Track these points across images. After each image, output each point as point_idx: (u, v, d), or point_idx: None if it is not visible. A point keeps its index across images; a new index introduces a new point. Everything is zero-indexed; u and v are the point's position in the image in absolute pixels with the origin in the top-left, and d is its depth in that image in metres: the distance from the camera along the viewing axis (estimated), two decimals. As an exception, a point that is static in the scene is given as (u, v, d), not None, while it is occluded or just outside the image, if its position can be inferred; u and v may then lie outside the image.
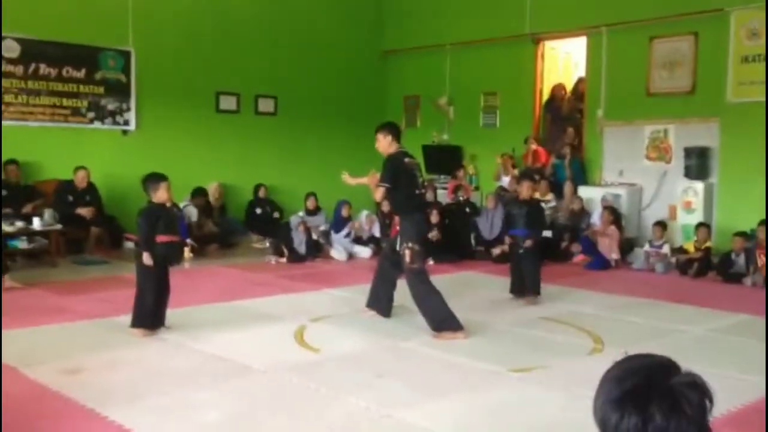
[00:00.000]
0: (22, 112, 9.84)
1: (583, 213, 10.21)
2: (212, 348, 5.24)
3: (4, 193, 9.07)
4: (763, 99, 9.03)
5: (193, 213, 10.16)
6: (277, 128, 12.27)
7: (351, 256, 9.96)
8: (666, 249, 9.31)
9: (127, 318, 5.76)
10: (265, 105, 12.22)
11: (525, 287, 7.14)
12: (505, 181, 11.16)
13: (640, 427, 1.29)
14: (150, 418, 3.89)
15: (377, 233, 10.15)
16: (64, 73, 10.14)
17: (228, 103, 11.81)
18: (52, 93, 10.07)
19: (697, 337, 5.95)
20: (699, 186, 9.69)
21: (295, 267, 9.14)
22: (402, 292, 6.14)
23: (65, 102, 10.19)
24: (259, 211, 11.48)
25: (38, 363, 4.79)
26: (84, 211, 9.53)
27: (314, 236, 9.86)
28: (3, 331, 5.40)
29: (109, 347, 5.22)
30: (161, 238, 5.54)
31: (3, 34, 9.52)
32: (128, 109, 10.73)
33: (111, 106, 10.58)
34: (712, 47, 9.65)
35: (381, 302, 6.28)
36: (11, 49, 9.71)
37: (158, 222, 5.55)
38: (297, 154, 12.41)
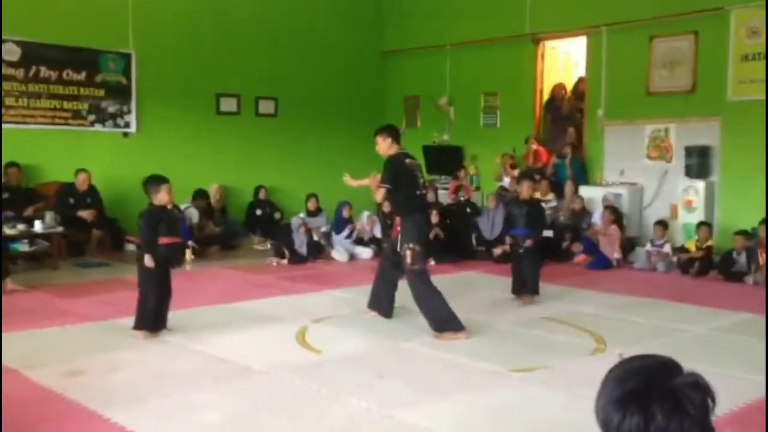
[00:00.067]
0: (23, 115, 9.84)
1: (584, 212, 10.21)
2: (214, 349, 5.24)
3: (5, 196, 9.07)
4: (764, 97, 9.02)
5: (194, 215, 10.17)
6: (277, 130, 12.27)
7: (352, 257, 9.96)
8: (667, 248, 9.31)
9: (128, 320, 5.76)
10: (266, 107, 12.23)
11: (524, 286, 7.14)
12: (506, 181, 11.16)
13: (642, 427, 1.29)
14: (152, 420, 3.89)
15: (378, 234, 10.15)
16: (64, 75, 10.15)
17: (228, 104, 11.82)
18: (53, 96, 10.08)
19: (699, 337, 5.94)
20: (700, 185, 9.68)
21: (296, 268, 9.15)
22: (403, 292, 6.14)
23: (66, 105, 10.20)
24: (259, 212, 11.49)
25: (40, 365, 4.79)
26: (85, 214, 9.54)
27: (315, 237, 9.86)
28: (5, 334, 5.41)
29: (111, 349, 5.23)
30: (163, 240, 5.55)
31: (3, 37, 9.53)
32: (129, 112, 10.74)
33: (112, 109, 10.59)
34: (712, 46, 9.64)
35: (382, 303, 6.28)
36: (12, 52, 9.72)
37: (159, 224, 5.56)
38: (297, 156, 12.42)
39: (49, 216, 8.79)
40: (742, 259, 8.56)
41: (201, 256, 9.59)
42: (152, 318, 5.56)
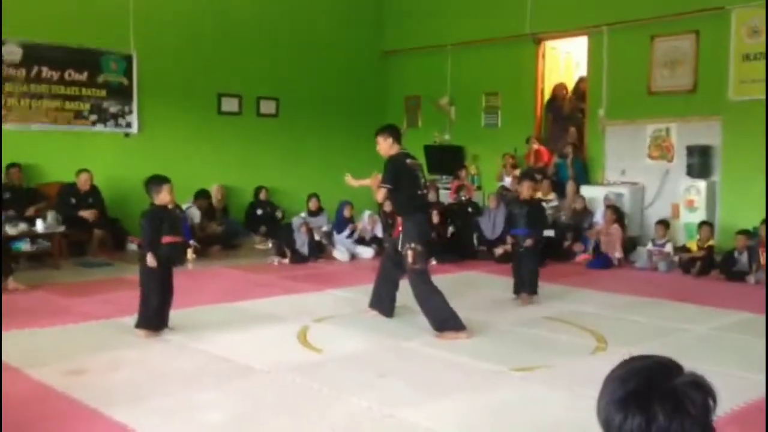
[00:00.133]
0: (24, 116, 9.86)
1: (586, 212, 10.21)
2: (215, 349, 5.25)
3: (7, 195, 9.08)
4: (765, 97, 9.02)
5: (195, 215, 10.18)
6: (279, 130, 12.28)
7: (353, 256, 9.97)
8: (669, 248, 9.31)
9: (130, 319, 5.77)
10: (267, 107, 12.24)
11: (524, 286, 7.14)
12: (507, 181, 11.16)
13: (644, 427, 1.29)
14: (153, 419, 3.89)
15: (379, 234, 10.16)
16: (66, 76, 10.16)
17: (230, 105, 11.83)
18: (55, 96, 10.09)
19: (700, 336, 5.94)
20: (701, 184, 9.68)
21: (298, 268, 9.15)
22: (404, 292, 6.14)
23: (67, 105, 10.21)
24: (260, 212, 11.50)
25: (42, 364, 4.80)
26: (87, 214, 9.55)
27: (317, 237, 9.87)
28: (6, 333, 5.43)
29: (113, 348, 5.23)
30: (165, 239, 5.57)
31: (5, 38, 9.54)
32: (130, 112, 10.75)
33: (113, 109, 10.60)
34: (713, 45, 9.64)
35: (383, 302, 6.28)
36: (13, 53, 9.73)
37: (162, 224, 5.58)
38: (299, 155, 12.43)
39: (50, 216, 8.81)
40: (744, 258, 8.56)
41: (202, 255, 9.61)
42: (154, 317, 5.57)
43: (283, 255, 9.54)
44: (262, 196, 11.61)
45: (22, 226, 8.45)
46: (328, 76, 12.72)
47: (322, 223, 10.33)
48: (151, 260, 5.50)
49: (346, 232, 10.16)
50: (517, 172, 10.82)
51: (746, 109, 9.35)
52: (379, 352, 5.35)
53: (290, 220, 10.17)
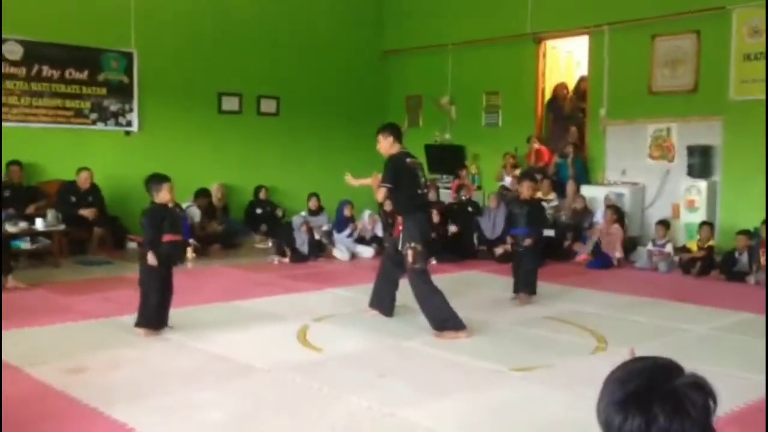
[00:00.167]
0: (25, 114, 9.86)
1: (586, 212, 10.20)
2: (215, 348, 5.25)
3: (7, 194, 9.09)
4: (765, 97, 9.01)
5: (195, 214, 10.17)
6: (279, 129, 12.28)
7: (353, 255, 9.97)
8: (669, 248, 9.30)
9: (129, 318, 5.77)
10: (268, 105, 12.23)
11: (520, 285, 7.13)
12: (508, 180, 11.16)
13: (644, 428, 1.29)
14: (153, 418, 3.89)
15: (380, 233, 10.16)
16: (66, 74, 10.16)
17: (230, 103, 11.83)
18: (55, 94, 10.09)
19: (700, 336, 5.94)
20: (702, 184, 9.68)
21: (298, 267, 9.15)
22: (404, 291, 6.14)
23: (68, 103, 10.21)
24: (259, 211, 11.50)
25: (41, 362, 4.80)
26: (87, 212, 9.55)
27: (317, 236, 9.87)
28: (6, 331, 5.43)
29: (112, 347, 5.24)
30: (165, 238, 5.57)
31: (6, 37, 9.54)
32: (131, 110, 10.75)
33: (113, 108, 10.60)
34: (714, 45, 9.64)
35: (383, 302, 6.28)
36: (14, 51, 9.73)
37: (163, 222, 5.58)
38: (299, 154, 12.42)
39: (50, 214, 8.81)
40: (744, 258, 8.55)
41: (202, 254, 9.61)
42: (154, 316, 5.57)
43: (283, 254, 9.54)
44: (262, 195, 11.62)
45: (22, 224, 8.45)
46: (328, 76, 12.71)
47: (323, 223, 10.32)
48: (152, 259, 5.50)
49: (347, 231, 10.16)
50: (518, 171, 10.82)
51: (747, 109, 9.35)
52: (379, 352, 5.34)
53: (290, 219, 10.18)
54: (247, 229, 11.30)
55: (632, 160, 10.55)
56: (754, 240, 8.57)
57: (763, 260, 8.29)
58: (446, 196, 11.27)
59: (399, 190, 5.94)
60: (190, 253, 9.22)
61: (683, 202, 9.82)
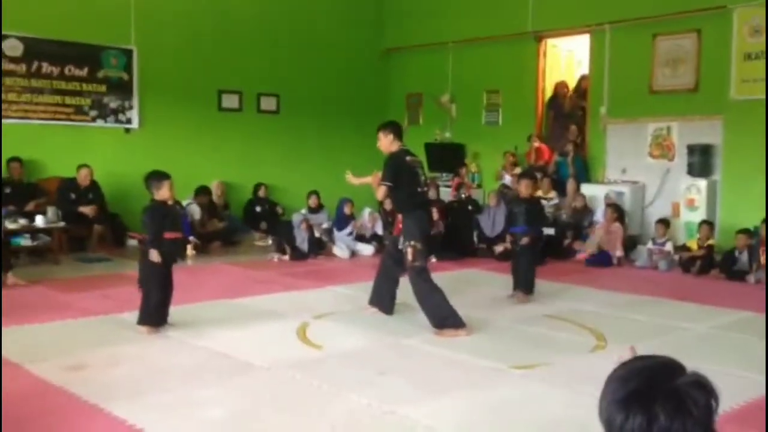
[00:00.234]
0: (25, 111, 9.86)
1: (586, 210, 10.21)
2: (215, 345, 5.25)
3: (7, 190, 9.10)
4: (766, 96, 9.01)
5: (195, 211, 10.17)
6: (279, 126, 12.28)
7: (353, 253, 9.97)
8: (669, 246, 9.31)
9: (129, 315, 5.78)
10: (268, 103, 12.23)
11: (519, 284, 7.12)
12: (508, 179, 11.16)
13: (645, 427, 1.29)
14: (153, 415, 3.89)
15: (380, 231, 10.16)
16: (66, 71, 10.15)
17: (230, 101, 11.82)
18: (55, 91, 10.09)
19: (700, 335, 5.94)
20: (702, 183, 9.68)
21: (298, 264, 9.15)
22: (404, 289, 6.14)
23: (68, 100, 10.21)
24: (258, 209, 11.50)
25: (41, 359, 4.80)
26: (87, 209, 9.55)
27: (317, 234, 9.87)
28: (6, 328, 5.43)
29: (112, 344, 5.24)
30: (166, 235, 5.57)
31: (6, 33, 9.54)
32: (130, 107, 10.75)
33: (113, 104, 10.60)
34: (715, 44, 9.63)
35: (383, 300, 6.28)
36: (14, 48, 9.72)
37: (164, 219, 5.58)
38: (299, 152, 12.42)
39: (50, 211, 8.81)
40: (744, 257, 8.56)
41: (202, 251, 9.61)
42: (155, 313, 5.57)
43: (283, 252, 9.54)
44: (261, 192, 11.61)
45: (22, 221, 8.46)
46: (329, 73, 12.71)
47: (323, 220, 10.33)
48: (155, 256, 5.50)
49: (347, 229, 10.16)
50: (518, 170, 10.82)
51: (748, 109, 9.35)
52: (378, 350, 5.35)
53: (290, 217, 10.18)
54: (247, 227, 11.30)
55: (632, 159, 10.55)
56: (754, 239, 8.57)
57: (762, 259, 8.29)
58: (446, 194, 11.28)
59: (399, 189, 5.94)
60: (190, 250, 9.22)
61: (683, 201, 9.83)
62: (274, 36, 12.08)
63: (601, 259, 9.38)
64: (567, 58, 12.16)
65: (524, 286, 7.06)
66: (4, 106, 9.59)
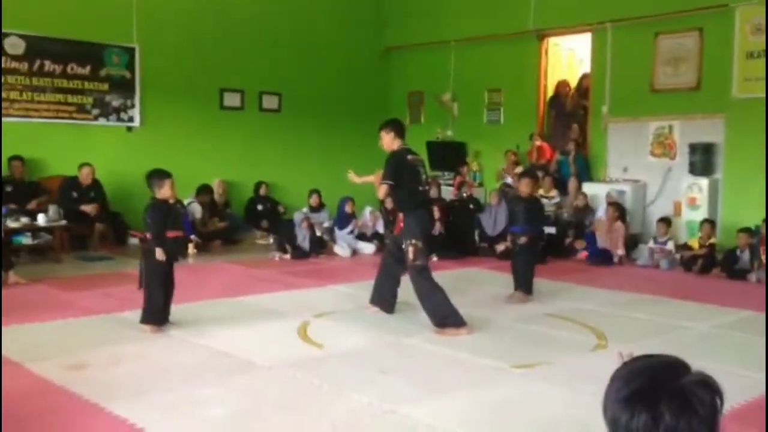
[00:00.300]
0: (26, 109, 9.86)
1: (588, 209, 10.20)
2: (216, 344, 5.25)
3: (9, 189, 9.11)
4: (766, 95, 9.00)
5: (197, 210, 10.17)
6: (281, 125, 12.27)
7: (354, 252, 9.97)
8: (670, 245, 9.30)
9: (130, 313, 5.78)
10: (270, 102, 12.23)
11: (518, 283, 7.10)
12: (510, 181, 11.14)
13: (651, 425, 1.28)
14: (155, 414, 3.90)
15: (381, 230, 10.16)
16: (68, 69, 10.15)
17: (232, 99, 11.82)
18: (57, 89, 10.09)
19: (701, 334, 5.94)
20: (703, 182, 9.67)
21: (299, 263, 9.16)
22: (405, 288, 6.14)
23: (70, 98, 10.21)
24: (260, 207, 11.51)
25: (42, 358, 4.80)
26: (88, 208, 9.55)
27: (318, 232, 9.87)
28: (7, 327, 5.44)
29: (113, 343, 5.24)
30: (169, 234, 5.58)
31: (8, 31, 9.54)
32: (132, 106, 10.75)
33: (115, 103, 10.60)
34: (717, 43, 9.62)
35: (384, 298, 6.28)
36: (16, 46, 9.73)
37: (166, 218, 5.58)
38: (301, 151, 12.42)
39: (52, 209, 8.81)
40: (745, 256, 8.55)
41: (204, 250, 9.61)
42: (159, 312, 5.58)
43: (284, 250, 9.54)
44: (262, 191, 11.62)
45: (24, 220, 8.47)
46: (330, 72, 12.70)
47: (324, 219, 10.33)
48: (160, 254, 5.51)
49: (348, 228, 10.16)
50: (519, 169, 10.81)
51: (749, 107, 9.33)
52: (379, 349, 5.35)
53: (292, 215, 10.18)
54: (248, 225, 11.31)
55: (634, 158, 10.54)
56: (756, 238, 8.56)
57: (764, 258, 8.28)
58: (448, 193, 11.27)
59: (400, 187, 5.93)
60: (191, 249, 9.23)
61: (685, 200, 9.82)
62: (275, 34, 12.08)
63: (599, 255, 9.37)
64: (568, 57, 12.14)
65: (523, 286, 7.05)
66: (5, 104, 9.59)
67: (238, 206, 11.58)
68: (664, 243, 9.33)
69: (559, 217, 10.29)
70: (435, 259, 8.67)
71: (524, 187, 7.30)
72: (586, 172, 10.95)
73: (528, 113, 11.75)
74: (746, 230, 8.66)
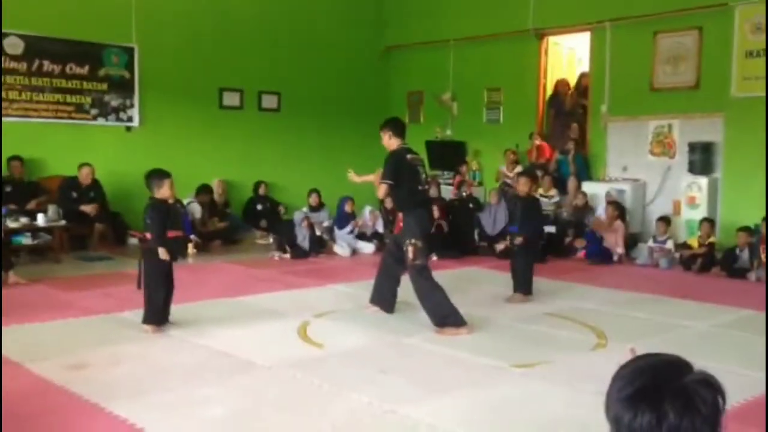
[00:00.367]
0: (26, 109, 9.86)
1: (587, 208, 10.20)
2: (216, 344, 5.25)
3: (8, 189, 9.10)
4: (766, 94, 9.00)
5: (196, 210, 10.17)
6: (280, 124, 12.27)
7: (354, 251, 9.97)
8: (670, 244, 9.31)
9: (130, 313, 5.78)
10: (269, 101, 12.22)
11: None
12: (510, 181, 11.15)
13: (654, 424, 1.28)
14: (155, 414, 3.90)
15: (380, 229, 10.16)
16: (67, 69, 10.15)
17: (231, 99, 11.81)
18: (56, 89, 10.09)
19: (701, 333, 5.95)
20: (703, 181, 9.67)
21: (299, 263, 9.16)
22: (405, 288, 6.14)
23: (69, 98, 10.20)
24: (259, 207, 11.50)
25: (42, 358, 4.80)
26: (88, 208, 9.55)
27: (317, 232, 9.87)
28: (7, 327, 5.44)
29: (113, 343, 5.24)
30: (169, 234, 5.58)
31: (7, 31, 9.53)
32: (132, 106, 10.75)
33: (114, 103, 10.60)
34: (717, 42, 9.62)
35: (384, 298, 6.28)
36: (15, 46, 9.72)
37: (166, 218, 5.58)
38: (300, 150, 12.42)
39: (51, 209, 8.81)
40: (745, 255, 8.56)
41: (203, 250, 9.61)
42: (160, 312, 5.58)
43: (284, 250, 9.54)
44: (262, 191, 11.62)
45: (23, 220, 8.46)
46: (330, 71, 12.70)
47: (323, 219, 10.33)
48: (163, 254, 5.50)
49: (348, 227, 10.16)
50: (518, 169, 10.81)
51: (749, 106, 9.33)
52: (379, 348, 5.35)
53: (291, 215, 10.18)
54: (248, 225, 11.30)
55: (633, 157, 10.54)
56: (755, 237, 8.57)
57: (763, 257, 8.28)
58: (447, 192, 11.27)
59: (399, 187, 5.93)
60: (191, 248, 9.23)
61: (684, 199, 9.82)
62: (274, 34, 12.07)
63: (599, 253, 9.37)
64: (568, 56, 12.15)
65: (522, 286, 7.03)
66: (4, 104, 9.59)
67: (238, 206, 11.57)
68: (664, 242, 9.34)
69: (559, 217, 10.29)
70: (435, 258, 8.67)
71: (522, 186, 7.29)
72: (585, 172, 10.95)
73: (527, 112, 11.75)
74: (746, 229, 8.66)
